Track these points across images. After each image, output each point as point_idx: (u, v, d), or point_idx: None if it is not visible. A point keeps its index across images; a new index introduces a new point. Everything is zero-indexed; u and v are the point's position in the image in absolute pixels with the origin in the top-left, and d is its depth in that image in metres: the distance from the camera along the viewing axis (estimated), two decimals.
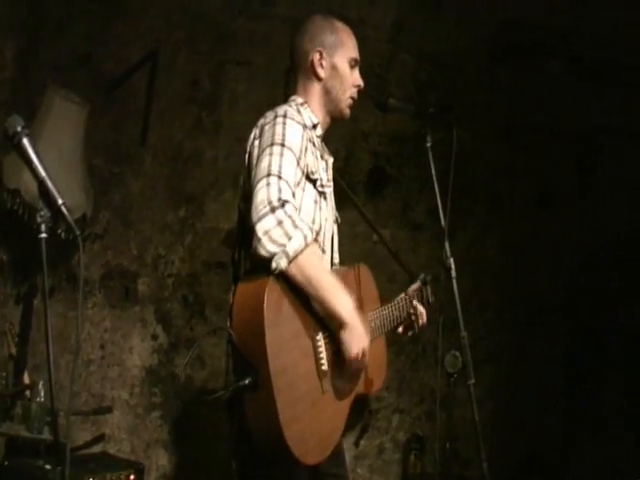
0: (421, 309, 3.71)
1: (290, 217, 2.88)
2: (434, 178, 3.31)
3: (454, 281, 3.22)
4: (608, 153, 6.35)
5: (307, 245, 2.91)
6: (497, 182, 6.24)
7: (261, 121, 3.24)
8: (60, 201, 2.43)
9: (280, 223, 2.86)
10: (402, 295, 3.70)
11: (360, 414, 5.80)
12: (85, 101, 4.90)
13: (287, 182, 2.97)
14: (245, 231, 3.15)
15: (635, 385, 6.19)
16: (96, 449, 5.15)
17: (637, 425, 6.21)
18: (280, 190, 2.92)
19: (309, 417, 2.98)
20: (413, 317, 3.69)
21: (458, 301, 3.17)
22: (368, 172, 5.85)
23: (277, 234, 2.85)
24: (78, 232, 2.44)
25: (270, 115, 3.21)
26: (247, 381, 2.85)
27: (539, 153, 6.27)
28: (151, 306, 5.38)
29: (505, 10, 6.02)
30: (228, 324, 2.99)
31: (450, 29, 6.00)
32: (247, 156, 3.24)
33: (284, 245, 2.86)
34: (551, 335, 6.33)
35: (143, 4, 5.32)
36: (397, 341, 3.69)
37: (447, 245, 3.26)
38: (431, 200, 3.35)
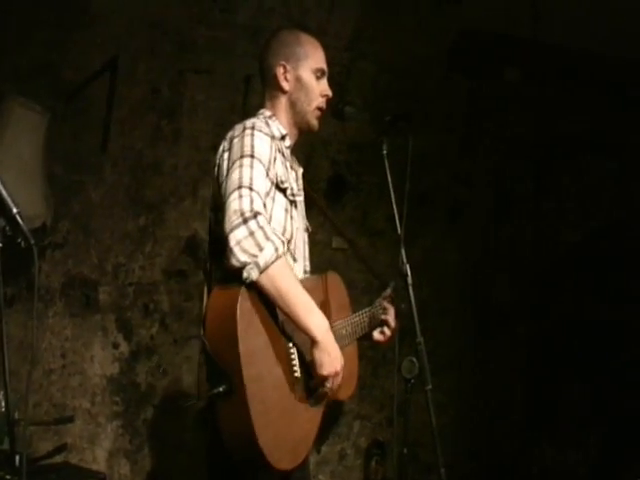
0: (392, 313, 3.75)
1: (262, 228, 2.91)
2: (390, 186, 3.33)
3: (410, 287, 3.25)
4: (566, 160, 6.42)
5: (278, 257, 2.94)
6: (456, 189, 6.28)
7: (230, 134, 3.25)
8: (15, 210, 2.42)
9: (252, 234, 2.89)
10: (377, 301, 3.77)
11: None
12: (45, 109, 4.89)
13: (258, 193, 3.00)
14: (215, 241, 3.19)
15: (594, 390, 6.25)
16: (58, 459, 5.11)
17: (597, 430, 6.27)
18: (252, 201, 2.95)
19: (282, 423, 3.00)
20: (385, 322, 3.74)
21: (414, 307, 3.20)
22: (328, 180, 5.88)
23: (249, 244, 2.88)
24: (33, 241, 2.44)
25: (239, 128, 3.22)
26: (221, 389, 2.88)
27: (498, 160, 6.33)
28: (112, 315, 5.36)
29: (464, 19, 6.08)
30: (202, 333, 3.01)
31: (409, 37, 6.04)
32: (216, 168, 3.25)
33: (255, 256, 2.89)
34: (511, 340, 6.38)
35: (103, 12, 5.30)
36: (358, 347, 3.70)
37: (403, 252, 3.29)
38: (390, 207, 3.37)
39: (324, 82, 3.48)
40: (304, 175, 3.58)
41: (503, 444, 6.26)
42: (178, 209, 5.50)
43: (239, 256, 2.88)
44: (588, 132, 6.23)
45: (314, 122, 3.47)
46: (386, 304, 3.77)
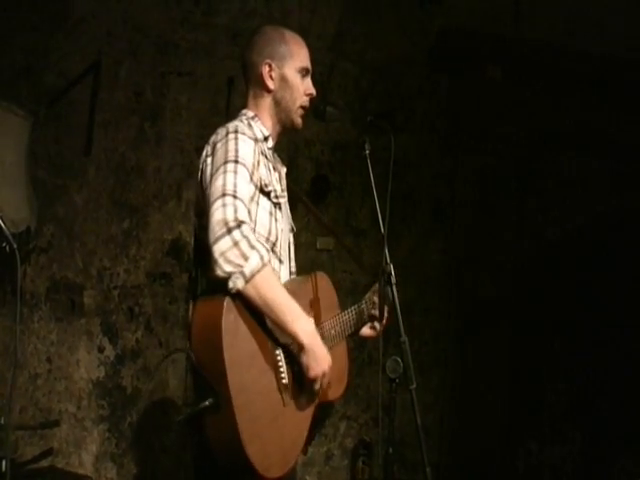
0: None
1: (246, 237, 2.87)
2: (373, 185, 3.33)
3: (394, 287, 3.24)
4: (547, 158, 6.43)
5: (264, 265, 2.90)
6: (439, 187, 6.28)
7: (212, 138, 3.20)
8: None
9: (236, 244, 2.85)
10: (366, 296, 3.73)
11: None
12: (28, 113, 4.87)
13: (242, 201, 2.96)
14: (200, 249, 3.15)
15: (579, 387, 6.26)
16: (44, 463, 5.11)
17: (582, 426, 6.29)
18: (236, 210, 2.91)
19: (270, 432, 2.99)
20: (374, 317, 3.70)
21: (398, 306, 3.19)
22: (311, 180, 5.88)
23: (233, 255, 2.85)
24: (15, 245, 2.43)
25: (221, 132, 3.17)
26: (207, 402, 2.85)
27: (481, 158, 6.33)
28: (97, 318, 5.36)
29: (445, 18, 6.10)
30: (188, 345, 2.97)
31: (391, 37, 6.05)
32: (200, 174, 3.19)
33: (241, 266, 2.85)
34: (495, 338, 6.38)
35: (84, 16, 5.31)
36: (348, 346, 3.69)
37: (386, 251, 3.27)
38: (374, 207, 3.37)
39: (308, 81, 3.44)
40: (287, 174, 3.56)
41: (489, 442, 6.27)
42: (162, 212, 5.50)
43: (224, 267, 2.85)
44: (571, 129, 6.25)
45: (298, 120, 3.43)
46: (375, 299, 3.74)
